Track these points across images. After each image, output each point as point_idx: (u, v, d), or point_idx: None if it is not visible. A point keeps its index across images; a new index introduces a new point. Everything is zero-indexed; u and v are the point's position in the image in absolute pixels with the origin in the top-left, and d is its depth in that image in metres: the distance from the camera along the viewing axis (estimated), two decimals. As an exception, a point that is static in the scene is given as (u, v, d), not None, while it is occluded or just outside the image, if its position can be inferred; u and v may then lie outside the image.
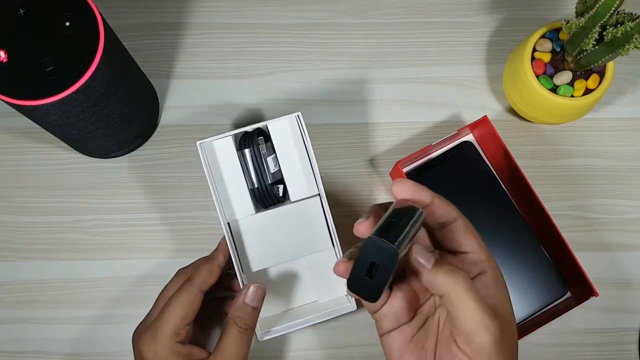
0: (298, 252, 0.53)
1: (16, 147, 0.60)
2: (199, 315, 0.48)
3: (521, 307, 0.56)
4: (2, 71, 0.44)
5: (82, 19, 0.45)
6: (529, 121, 0.61)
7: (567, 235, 0.54)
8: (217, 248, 0.53)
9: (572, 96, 0.54)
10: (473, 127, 0.58)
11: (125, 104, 0.52)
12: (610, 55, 0.49)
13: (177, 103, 0.61)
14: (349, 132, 0.61)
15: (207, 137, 0.52)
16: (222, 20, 0.63)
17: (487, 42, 0.63)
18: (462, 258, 0.38)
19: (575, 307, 0.53)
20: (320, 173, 0.53)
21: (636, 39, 0.46)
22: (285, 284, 0.55)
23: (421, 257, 0.36)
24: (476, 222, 0.57)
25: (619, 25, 0.48)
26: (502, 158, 0.56)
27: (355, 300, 0.52)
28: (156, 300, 0.50)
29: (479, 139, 0.60)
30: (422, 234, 0.40)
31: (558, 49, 0.55)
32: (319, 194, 0.53)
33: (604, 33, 0.48)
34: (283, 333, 0.52)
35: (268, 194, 0.53)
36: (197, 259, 0.54)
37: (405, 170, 0.59)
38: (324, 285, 0.54)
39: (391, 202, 0.38)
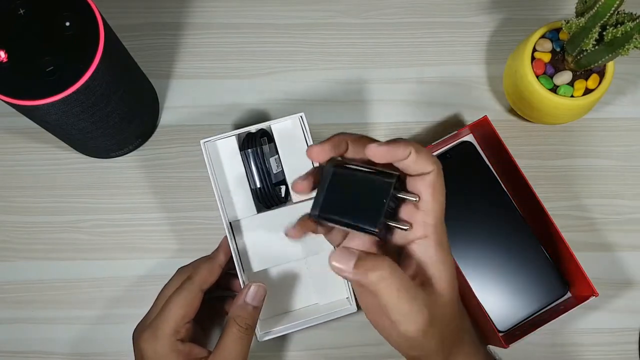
0: (299, 253, 0.53)
1: (16, 147, 0.60)
2: (198, 314, 0.48)
3: (521, 307, 0.56)
4: (2, 71, 0.44)
5: (82, 19, 0.45)
6: (529, 121, 0.61)
7: (567, 235, 0.54)
8: (218, 247, 0.53)
9: (572, 96, 0.54)
10: (473, 127, 0.58)
11: (125, 104, 0.52)
12: (610, 55, 0.49)
13: (177, 103, 0.61)
14: (349, 132, 0.61)
15: (210, 137, 0.52)
16: (222, 20, 0.63)
17: (487, 42, 0.63)
18: (413, 208, 0.38)
19: (575, 307, 0.53)
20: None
21: (636, 39, 0.46)
22: (285, 285, 0.55)
23: (339, 263, 0.36)
24: (476, 222, 0.57)
25: (619, 25, 0.48)
26: (502, 158, 0.56)
27: (355, 301, 0.52)
28: (156, 298, 0.50)
29: (479, 139, 0.60)
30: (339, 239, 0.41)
31: (558, 49, 0.55)
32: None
33: (604, 33, 0.48)
34: (283, 333, 0.52)
35: (270, 194, 0.53)
36: (197, 258, 0.54)
37: (405, 170, 0.59)
38: (324, 287, 0.54)
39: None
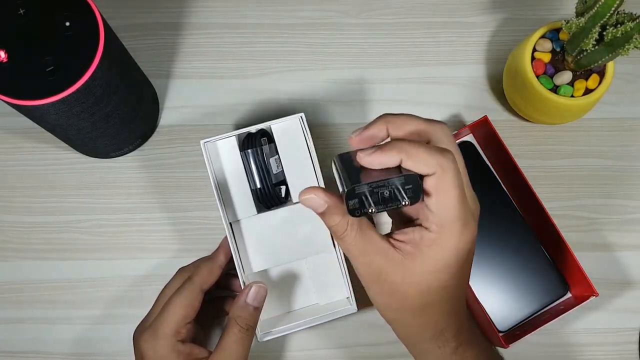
0: (299, 253, 0.53)
1: (16, 147, 0.60)
2: (199, 314, 0.48)
3: (521, 307, 0.56)
4: (2, 71, 0.44)
5: (82, 19, 0.45)
6: (529, 121, 0.61)
7: (567, 235, 0.54)
8: (218, 248, 0.53)
9: (572, 96, 0.54)
10: (473, 127, 0.58)
11: (125, 104, 0.52)
12: (610, 55, 0.49)
13: (177, 103, 0.61)
14: (349, 132, 0.61)
15: (210, 137, 0.52)
16: (222, 20, 0.63)
17: (487, 42, 0.63)
18: (425, 213, 0.37)
19: (575, 307, 0.53)
20: (322, 174, 0.53)
21: (636, 39, 0.46)
22: (286, 285, 0.55)
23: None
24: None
25: (619, 25, 0.48)
26: (502, 158, 0.56)
27: (356, 301, 0.52)
28: (157, 299, 0.50)
29: (479, 139, 0.60)
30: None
31: (558, 49, 0.55)
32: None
33: (604, 33, 0.48)
34: (283, 334, 0.52)
35: (270, 194, 0.53)
36: (197, 258, 0.54)
37: (405, 170, 0.59)
38: (324, 287, 0.54)
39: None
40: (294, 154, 0.53)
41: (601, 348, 0.57)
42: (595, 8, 0.47)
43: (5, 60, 0.44)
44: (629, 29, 0.47)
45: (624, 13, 0.48)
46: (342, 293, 0.54)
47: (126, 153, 0.60)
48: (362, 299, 0.49)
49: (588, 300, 0.53)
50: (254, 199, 0.53)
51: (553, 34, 0.55)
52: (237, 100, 0.61)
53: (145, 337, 0.46)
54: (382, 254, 0.38)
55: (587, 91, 0.54)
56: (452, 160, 0.36)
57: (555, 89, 0.54)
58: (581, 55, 0.51)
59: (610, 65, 0.54)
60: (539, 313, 0.56)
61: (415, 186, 0.36)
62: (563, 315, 0.53)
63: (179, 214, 0.59)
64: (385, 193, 0.36)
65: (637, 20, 0.47)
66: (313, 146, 0.53)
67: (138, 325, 0.49)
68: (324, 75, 0.62)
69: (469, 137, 0.60)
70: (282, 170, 0.54)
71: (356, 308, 0.52)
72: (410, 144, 0.36)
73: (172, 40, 0.62)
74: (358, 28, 0.63)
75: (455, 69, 0.62)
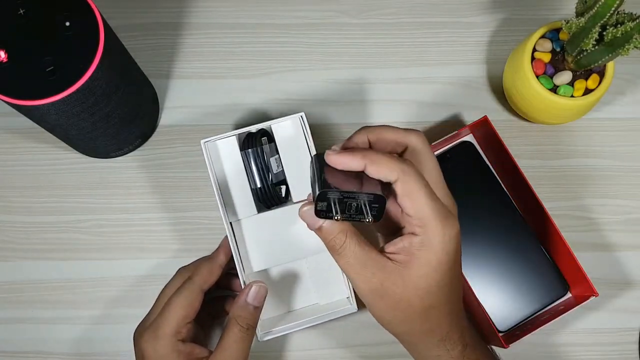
0: (299, 253, 0.53)
1: (16, 147, 0.60)
2: (199, 314, 0.48)
3: (521, 307, 0.56)
4: (2, 71, 0.44)
5: (82, 19, 0.45)
6: (529, 121, 0.61)
7: (567, 235, 0.54)
8: (218, 247, 0.53)
9: (572, 96, 0.54)
10: (473, 127, 0.58)
11: (125, 104, 0.52)
12: (610, 55, 0.49)
13: (177, 103, 0.61)
14: (348, 132, 0.60)
15: (210, 137, 0.52)
16: (222, 20, 0.63)
17: (487, 42, 0.63)
18: (407, 220, 0.40)
19: (575, 307, 0.53)
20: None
21: (636, 39, 0.46)
22: (286, 285, 0.55)
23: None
24: (476, 222, 0.57)
25: (619, 25, 0.48)
26: (502, 158, 0.56)
27: (356, 301, 0.52)
28: (157, 299, 0.50)
29: (479, 139, 0.60)
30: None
31: (558, 49, 0.55)
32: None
33: (604, 33, 0.48)
34: (283, 333, 0.52)
35: (270, 194, 0.53)
36: (197, 258, 0.54)
37: (405, 170, 0.59)
38: (324, 287, 0.54)
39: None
40: (294, 153, 0.53)
41: (601, 348, 0.57)
42: (595, 8, 0.47)
43: (5, 60, 0.44)
44: (629, 29, 0.47)
45: (624, 13, 0.48)
46: (342, 293, 0.54)
47: (126, 153, 0.60)
48: (362, 299, 0.49)
49: (588, 300, 0.53)
50: (254, 198, 0.53)
51: (553, 34, 0.55)
52: (237, 100, 0.61)
53: (146, 336, 0.46)
54: (380, 268, 0.40)
55: (587, 91, 0.54)
56: (412, 165, 0.39)
57: (555, 89, 0.54)
58: (581, 55, 0.51)
59: (610, 65, 0.54)
60: (539, 313, 0.56)
61: (381, 207, 0.39)
62: (563, 315, 0.53)
63: (179, 214, 0.59)
64: (352, 205, 0.38)
65: (637, 20, 0.47)
66: (313, 146, 0.53)
67: (138, 325, 0.49)
68: (324, 75, 0.62)
69: (469, 137, 0.60)
70: (283, 170, 0.54)
71: (356, 308, 0.52)
72: (375, 152, 0.39)
73: (172, 40, 0.62)
74: (358, 28, 0.63)
75: (455, 69, 0.62)
